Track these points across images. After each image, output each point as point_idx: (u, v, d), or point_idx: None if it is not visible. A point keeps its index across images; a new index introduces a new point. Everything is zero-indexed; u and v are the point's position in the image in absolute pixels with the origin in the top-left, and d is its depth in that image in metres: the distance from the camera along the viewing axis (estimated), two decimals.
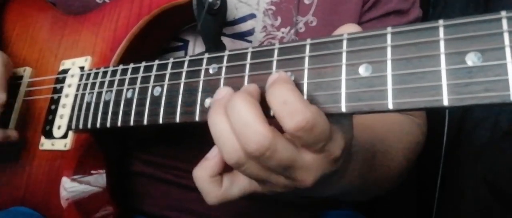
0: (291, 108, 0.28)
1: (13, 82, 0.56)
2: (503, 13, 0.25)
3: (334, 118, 0.31)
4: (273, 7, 0.55)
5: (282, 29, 0.55)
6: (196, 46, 0.55)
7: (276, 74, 0.31)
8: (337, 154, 0.32)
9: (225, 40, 0.54)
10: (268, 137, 0.29)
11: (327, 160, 0.32)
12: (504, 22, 0.25)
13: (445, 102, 0.26)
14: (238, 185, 0.36)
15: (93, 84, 0.47)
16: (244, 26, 0.55)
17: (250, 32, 0.55)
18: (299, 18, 0.56)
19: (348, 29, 0.32)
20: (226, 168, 0.35)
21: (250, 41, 0.55)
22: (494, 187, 0.72)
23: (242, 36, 0.55)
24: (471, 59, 0.25)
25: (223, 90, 0.33)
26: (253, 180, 0.35)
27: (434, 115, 0.65)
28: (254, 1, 0.55)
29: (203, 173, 0.35)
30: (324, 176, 0.33)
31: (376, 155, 0.46)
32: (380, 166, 0.47)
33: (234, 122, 0.30)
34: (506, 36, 0.25)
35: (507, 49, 0.24)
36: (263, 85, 0.33)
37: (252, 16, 0.55)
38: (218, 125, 0.31)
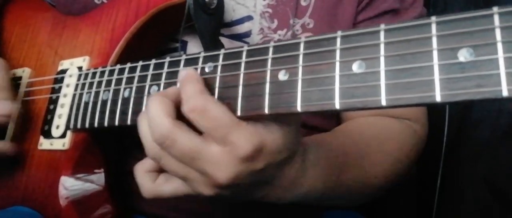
0: (188, 94, 0.34)
1: (13, 83, 0.56)
2: (495, 9, 0.25)
3: (261, 123, 0.34)
4: (270, 10, 0.55)
5: (279, 32, 0.56)
6: (195, 47, 0.55)
7: (184, 71, 0.36)
8: (247, 150, 0.33)
9: (223, 41, 0.54)
10: (166, 126, 0.33)
11: (237, 157, 0.33)
12: (496, 18, 0.25)
13: (438, 98, 0.26)
14: (171, 183, 0.39)
15: (91, 84, 0.48)
16: (241, 28, 0.55)
17: (247, 34, 0.55)
18: (296, 20, 0.56)
19: None
20: None
21: (247, 43, 0.56)
22: (494, 187, 0.72)
23: (239, 37, 0.56)
24: (463, 55, 0.25)
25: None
26: (184, 181, 0.37)
27: (434, 114, 0.65)
28: (251, 3, 0.55)
29: (139, 167, 0.40)
30: (242, 176, 0.34)
31: (348, 161, 0.46)
32: (353, 172, 0.47)
33: (148, 119, 0.35)
34: (497, 31, 0.25)
35: (499, 45, 0.24)
36: (259, 82, 0.33)
37: (249, 18, 0.55)
38: (139, 124, 0.36)
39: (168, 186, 0.39)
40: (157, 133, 0.34)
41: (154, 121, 0.34)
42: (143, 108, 0.41)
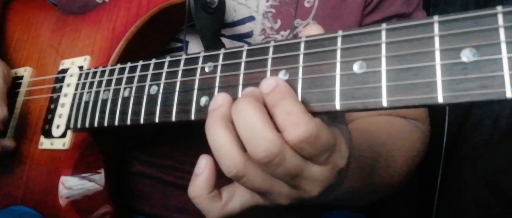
0: (295, 119, 0.28)
1: (15, 82, 0.56)
2: (499, 8, 0.25)
3: (336, 127, 0.32)
4: (273, 10, 0.55)
5: (282, 32, 0.55)
6: (196, 47, 0.55)
7: (272, 81, 0.30)
8: (342, 165, 0.31)
9: (225, 41, 0.54)
10: (278, 143, 0.28)
11: (333, 172, 0.31)
12: (500, 18, 0.24)
13: (440, 100, 0.25)
14: (239, 197, 0.35)
15: (91, 83, 0.47)
16: (243, 28, 0.55)
17: (249, 35, 0.55)
18: (298, 21, 0.55)
19: (311, 31, 0.32)
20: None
21: (249, 44, 0.55)
22: (494, 187, 0.72)
23: (241, 38, 0.55)
24: (466, 55, 0.25)
25: (219, 99, 0.32)
26: (254, 192, 0.34)
27: (434, 115, 0.65)
28: (253, 4, 0.55)
29: (199, 192, 0.34)
30: (330, 186, 0.32)
31: (377, 161, 0.46)
32: (381, 172, 0.47)
33: (240, 128, 0.29)
34: (501, 31, 0.24)
35: (503, 45, 0.24)
36: (259, 82, 0.33)
37: (251, 18, 0.55)
38: (217, 136, 0.30)
39: (236, 202, 0.35)
40: (263, 149, 0.28)
41: (258, 134, 0.29)
42: (142, 109, 0.40)
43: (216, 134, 0.30)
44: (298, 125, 0.28)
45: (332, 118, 0.33)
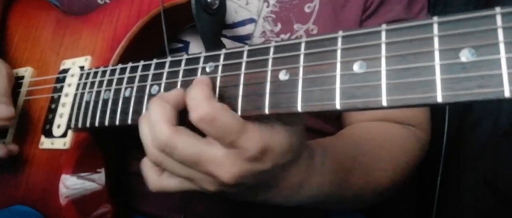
0: (196, 102, 0.33)
1: (15, 82, 0.56)
2: (497, 9, 0.25)
3: (264, 123, 0.34)
4: (273, 15, 0.55)
5: (282, 36, 0.55)
6: (197, 48, 0.55)
7: (198, 77, 0.36)
8: (252, 151, 0.33)
9: (225, 42, 0.54)
10: (165, 134, 0.33)
11: (241, 157, 0.33)
12: (499, 18, 0.25)
13: (439, 99, 0.26)
14: (175, 178, 0.38)
15: (92, 83, 0.48)
16: (243, 30, 0.55)
17: (249, 36, 0.55)
18: (299, 25, 0.55)
19: None
20: None
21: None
22: (494, 187, 0.72)
23: (241, 39, 0.55)
24: (465, 56, 0.25)
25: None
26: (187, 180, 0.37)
27: (434, 115, 0.65)
28: (254, 8, 0.55)
29: (146, 159, 0.39)
30: (246, 175, 0.34)
31: (355, 166, 0.46)
32: (359, 178, 0.47)
33: (148, 123, 0.35)
34: (500, 32, 0.25)
35: (501, 45, 0.24)
36: (260, 82, 0.33)
37: (251, 20, 0.55)
38: (140, 128, 0.36)
39: (173, 181, 0.39)
40: (156, 140, 0.34)
41: (154, 128, 0.34)
42: (143, 108, 0.41)
43: (140, 126, 0.37)
44: (197, 107, 0.33)
45: (273, 117, 0.34)
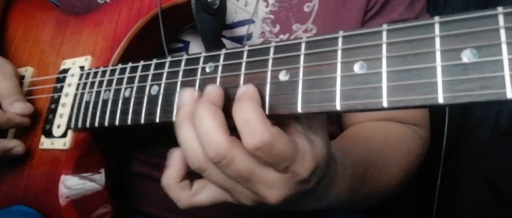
0: (251, 128, 0.30)
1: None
2: (500, 9, 0.25)
3: (308, 138, 0.32)
4: (272, 16, 0.55)
5: (281, 36, 0.55)
6: (197, 48, 0.55)
7: (243, 88, 0.32)
8: (304, 176, 0.32)
9: (224, 42, 0.54)
10: (225, 146, 0.30)
11: (292, 181, 0.32)
12: (501, 18, 0.24)
13: (440, 100, 0.25)
14: (208, 190, 0.37)
15: (92, 83, 0.47)
16: (242, 31, 0.55)
17: (248, 37, 0.55)
18: (298, 26, 0.55)
19: None
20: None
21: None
22: (494, 187, 0.72)
23: (240, 40, 0.55)
24: (467, 56, 0.25)
25: (187, 96, 0.34)
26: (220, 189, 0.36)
27: (434, 115, 0.65)
28: (252, 10, 0.54)
29: (170, 181, 0.37)
30: (292, 196, 0.33)
31: (369, 169, 0.46)
32: (373, 180, 0.47)
33: (196, 129, 0.32)
34: (502, 32, 0.24)
35: (503, 46, 0.24)
36: (260, 83, 0.33)
37: (250, 21, 0.55)
38: (183, 132, 0.33)
39: (206, 194, 0.36)
40: (212, 151, 0.31)
41: (208, 136, 0.31)
42: (143, 109, 0.40)
43: (183, 130, 0.33)
44: (253, 134, 0.29)
45: (306, 127, 0.33)
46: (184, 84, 0.38)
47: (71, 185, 0.48)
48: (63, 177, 0.49)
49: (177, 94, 0.38)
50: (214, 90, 0.33)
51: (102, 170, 0.50)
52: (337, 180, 0.39)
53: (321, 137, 0.34)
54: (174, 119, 0.38)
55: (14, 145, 0.51)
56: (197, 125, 0.32)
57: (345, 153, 0.42)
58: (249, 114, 0.30)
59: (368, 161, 0.46)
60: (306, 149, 0.32)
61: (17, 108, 0.50)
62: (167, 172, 0.37)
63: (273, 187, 0.32)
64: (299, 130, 0.33)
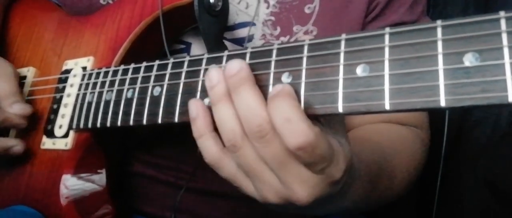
0: (294, 127, 0.29)
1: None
2: (502, 14, 0.25)
3: (336, 139, 0.32)
4: (273, 18, 0.55)
5: (282, 38, 0.55)
6: (198, 49, 0.55)
7: (280, 86, 0.31)
8: (337, 177, 0.32)
9: (226, 44, 0.54)
10: (269, 121, 0.30)
11: (326, 182, 0.31)
12: (503, 23, 0.25)
13: (442, 103, 0.26)
14: (233, 163, 0.34)
15: (95, 84, 0.48)
16: (243, 33, 0.55)
17: (249, 39, 0.55)
18: (298, 27, 0.55)
19: None
20: None
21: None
22: (494, 187, 0.72)
23: (241, 42, 0.55)
24: (469, 60, 0.25)
25: (215, 75, 0.33)
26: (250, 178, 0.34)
27: (434, 115, 0.65)
28: (253, 12, 0.55)
29: (203, 130, 0.34)
30: (323, 197, 0.32)
31: (380, 173, 0.46)
32: (383, 185, 0.47)
33: (238, 106, 0.31)
34: (504, 36, 0.24)
35: (505, 50, 0.24)
36: (262, 85, 0.33)
37: (251, 23, 0.55)
38: (223, 110, 0.32)
39: (232, 163, 0.34)
40: (257, 126, 0.30)
41: (253, 111, 0.30)
42: (145, 110, 0.40)
43: (221, 108, 0.32)
44: (296, 133, 0.28)
45: (332, 130, 0.33)
46: (187, 85, 0.38)
47: (72, 185, 0.49)
48: (64, 177, 0.49)
49: (179, 96, 0.38)
50: (245, 67, 0.32)
51: (103, 170, 0.50)
52: (355, 184, 0.39)
53: (345, 138, 0.33)
54: (176, 120, 0.38)
55: (13, 143, 0.51)
56: (238, 101, 0.31)
57: (359, 157, 0.41)
58: (291, 112, 0.29)
59: (379, 164, 0.46)
60: (339, 150, 0.31)
61: (16, 109, 0.51)
62: (197, 124, 0.34)
63: (306, 183, 0.31)
64: (328, 131, 0.32)
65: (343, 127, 0.34)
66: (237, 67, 0.32)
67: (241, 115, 0.31)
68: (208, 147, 0.34)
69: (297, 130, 0.28)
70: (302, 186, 0.31)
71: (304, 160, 0.30)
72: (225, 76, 0.32)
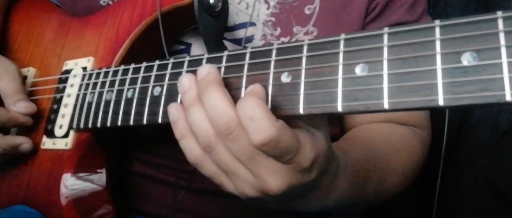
0: (257, 125, 0.30)
1: None
2: (499, 13, 0.25)
3: (308, 131, 0.33)
4: (273, 18, 0.55)
5: (282, 39, 0.55)
6: (198, 50, 0.55)
7: (250, 87, 0.33)
8: (305, 165, 0.33)
9: (226, 44, 0.54)
10: (235, 120, 0.31)
11: (295, 170, 0.33)
12: (500, 22, 0.25)
13: (441, 102, 0.26)
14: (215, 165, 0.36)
15: (95, 84, 0.48)
16: (243, 33, 0.55)
17: (249, 39, 0.55)
18: (298, 28, 0.55)
19: None
20: None
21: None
22: (494, 187, 0.72)
23: (241, 42, 0.55)
24: (467, 59, 0.26)
25: (186, 81, 0.35)
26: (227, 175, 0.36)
27: (434, 115, 0.65)
28: (254, 12, 0.55)
29: (185, 131, 0.36)
30: (294, 186, 0.33)
31: (371, 171, 0.46)
32: (376, 181, 0.47)
33: (206, 107, 0.33)
34: (501, 36, 0.25)
35: (503, 49, 0.25)
36: (262, 84, 0.33)
37: (251, 24, 0.55)
38: (193, 114, 0.34)
39: (213, 165, 0.36)
40: (223, 124, 0.32)
41: (219, 110, 0.32)
42: (146, 110, 0.40)
43: (193, 112, 0.34)
44: (259, 130, 0.30)
45: (308, 121, 0.34)
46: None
47: (72, 185, 0.49)
48: (64, 177, 0.49)
49: (179, 96, 0.38)
50: (213, 70, 0.34)
51: (103, 170, 0.50)
52: (340, 179, 0.40)
53: (321, 131, 0.34)
54: None
55: (21, 141, 0.52)
56: (206, 103, 0.33)
57: (347, 154, 0.43)
58: (254, 110, 0.30)
59: (370, 163, 0.46)
60: (306, 140, 0.33)
61: (21, 107, 0.51)
62: (179, 125, 0.36)
63: (275, 174, 0.32)
64: (300, 124, 0.34)
65: (321, 121, 0.35)
66: (205, 71, 0.34)
67: (209, 115, 0.33)
68: (190, 147, 0.36)
69: (259, 127, 0.30)
70: (272, 177, 0.33)
71: (270, 154, 0.31)
72: (197, 81, 0.34)
